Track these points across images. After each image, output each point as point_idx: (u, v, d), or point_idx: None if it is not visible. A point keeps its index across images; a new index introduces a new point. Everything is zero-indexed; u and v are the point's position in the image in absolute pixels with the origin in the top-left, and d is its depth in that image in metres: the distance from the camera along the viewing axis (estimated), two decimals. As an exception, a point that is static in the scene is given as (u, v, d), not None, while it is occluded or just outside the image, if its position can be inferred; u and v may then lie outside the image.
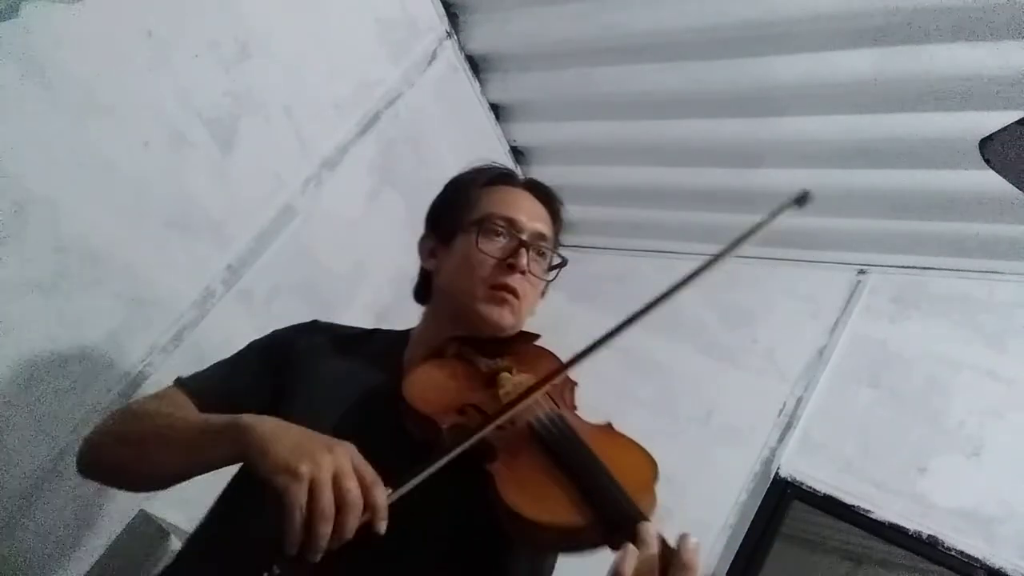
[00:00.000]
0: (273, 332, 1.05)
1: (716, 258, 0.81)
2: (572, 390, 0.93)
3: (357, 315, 1.83)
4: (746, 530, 1.69)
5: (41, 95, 1.20)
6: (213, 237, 1.53)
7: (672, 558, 0.61)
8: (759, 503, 1.72)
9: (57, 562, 1.33)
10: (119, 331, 1.38)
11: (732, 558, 1.67)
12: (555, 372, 0.81)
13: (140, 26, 1.33)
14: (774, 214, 0.86)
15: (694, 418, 1.92)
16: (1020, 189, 1.49)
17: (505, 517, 0.67)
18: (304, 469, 0.63)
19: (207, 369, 1.00)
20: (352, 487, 0.64)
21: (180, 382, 0.95)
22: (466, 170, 1.07)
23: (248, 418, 0.73)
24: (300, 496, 0.62)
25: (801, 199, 0.89)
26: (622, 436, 0.82)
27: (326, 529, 0.61)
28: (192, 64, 1.42)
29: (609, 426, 0.84)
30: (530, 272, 0.95)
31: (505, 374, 0.88)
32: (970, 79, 1.41)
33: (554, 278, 1.04)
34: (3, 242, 1.19)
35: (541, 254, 0.99)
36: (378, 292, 1.94)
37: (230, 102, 1.51)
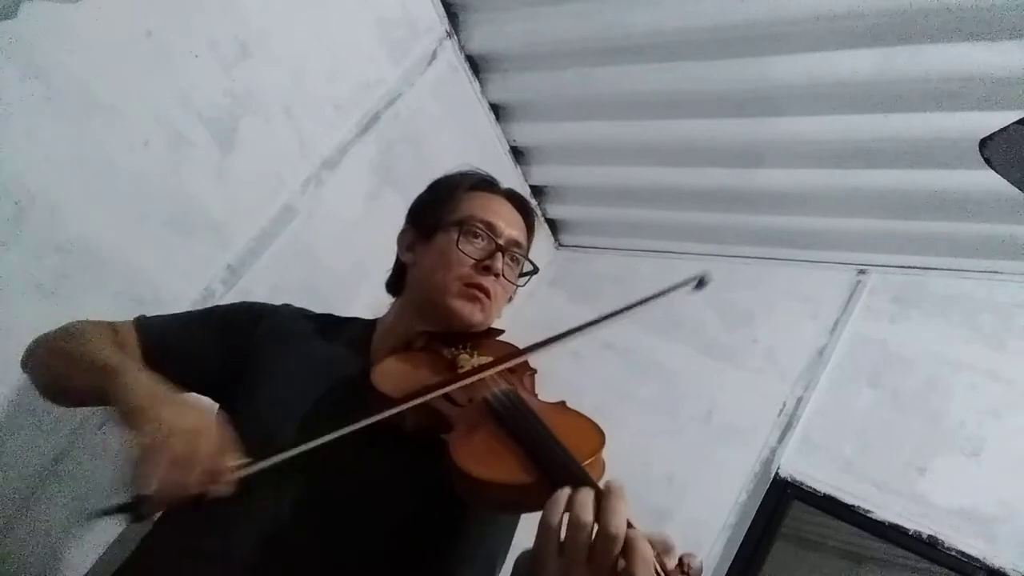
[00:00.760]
0: (241, 302, 1.08)
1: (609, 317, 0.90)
2: (531, 377, 0.98)
3: (357, 315, 1.83)
4: (746, 530, 1.69)
5: (41, 95, 1.20)
6: (213, 237, 1.53)
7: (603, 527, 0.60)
8: (759, 503, 1.72)
9: (57, 562, 1.33)
10: (119, 331, 1.38)
11: (732, 558, 1.67)
12: (511, 355, 0.87)
13: (140, 26, 1.33)
14: (672, 288, 0.94)
15: (694, 418, 1.92)
16: (1020, 189, 1.49)
17: (457, 479, 0.71)
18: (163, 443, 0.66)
19: (167, 317, 1.05)
20: (199, 443, 0.67)
21: (138, 322, 1.01)
22: (451, 172, 1.12)
23: (132, 373, 0.76)
24: (154, 439, 0.65)
25: (700, 283, 0.96)
26: (573, 411, 0.86)
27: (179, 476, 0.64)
28: (192, 64, 1.42)
29: (562, 404, 0.89)
30: (503, 276, 1.01)
31: (464, 355, 0.93)
32: (970, 79, 1.41)
33: (524, 284, 1.09)
34: (3, 242, 1.19)
35: (515, 260, 1.05)
36: (378, 292, 1.92)
37: (230, 102, 1.51)
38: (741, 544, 1.68)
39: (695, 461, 1.83)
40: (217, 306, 1.08)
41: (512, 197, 1.10)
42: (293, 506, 0.79)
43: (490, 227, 1.01)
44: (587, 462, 0.71)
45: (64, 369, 0.88)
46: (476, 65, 2.05)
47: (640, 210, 2.23)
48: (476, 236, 1.00)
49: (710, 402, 1.93)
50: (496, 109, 2.16)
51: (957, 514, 1.52)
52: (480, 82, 2.08)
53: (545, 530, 0.60)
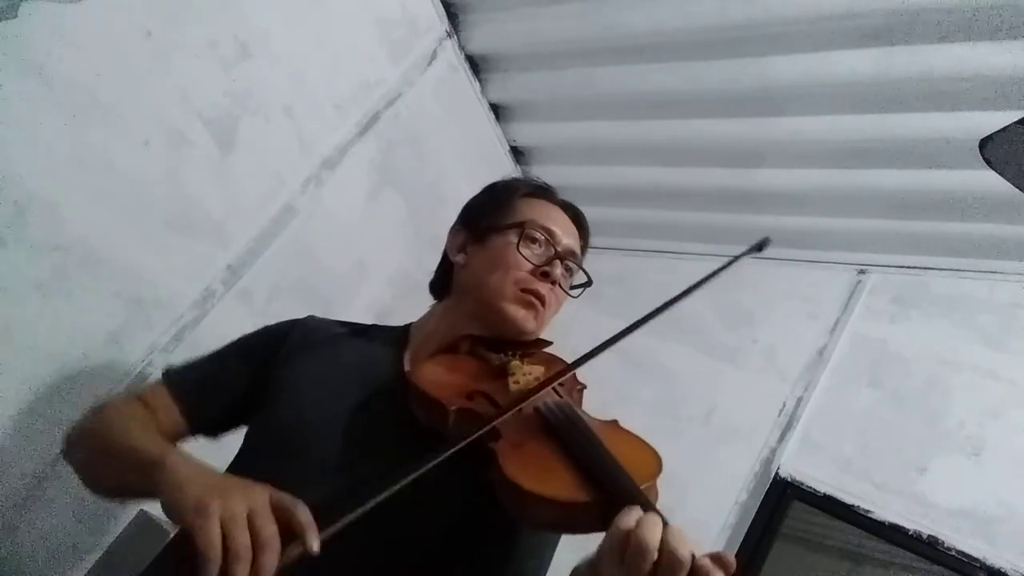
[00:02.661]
0: (265, 327, 1.06)
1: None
2: (580, 392, 0.94)
3: (357, 315, 1.82)
4: (746, 530, 1.69)
5: (41, 95, 1.20)
6: (213, 237, 1.53)
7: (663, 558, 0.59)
8: (759, 503, 1.72)
9: (57, 562, 1.33)
10: (119, 331, 1.38)
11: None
12: (569, 367, 0.83)
13: (140, 26, 1.33)
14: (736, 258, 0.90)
15: (694, 418, 1.92)
16: (1020, 189, 1.49)
17: (505, 491, 0.67)
18: (215, 507, 0.60)
19: (194, 362, 1.02)
20: (266, 525, 0.60)
21: (167, 376, 0.99)
22: (508, 178, 1.11)
23: (172, 458, 0.71)
24: (212, 535, 0.58)
25: (761, 245, 0.92)
26: (629, 432, 0.83)
27: (242, 571, 0.57)
28: (192, 64, 1.42)
29: (615, 423, 0.86)
30: (559, 285, 0.99)
31: (516, 362, 0.89)
32: (970, 79, 1.41)
33: (578, 296, 1.07)
34: (3, 242, 1.19)
35: (569, 270, 1.03)
36: (378, 292, 1.94)
37: (230, 102, 1.51)
38: (741, 544, 1.68)
39: (695, 461, 1.83)
40: (243, 335, 1.05)
41: (567, 207, 1.08)
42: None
43: (550, 233, 1.00)
44: (645, 486, 0.68)
45: (109, 470, 0.83)
46: (476, 65, 2.05)
47: (640, 210, 2.23)
48: (535, 241, 0.99)
49: (710, 402, 1.93)
50: (496, 109, 2.16)
51: (957, 514, 1.52)
52: (480, 82, 2.08)
53: (614, 542, 0.59)
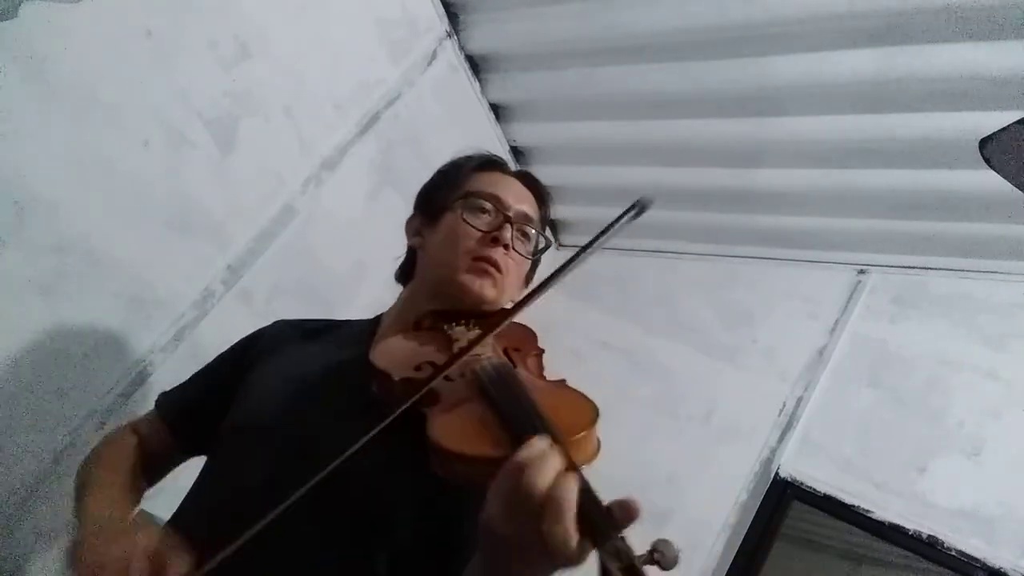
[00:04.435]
0: (239, 341, 1.08)
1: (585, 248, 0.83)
2: (537, 358, 0.93)
3: (357, 315, 1.81)
4: (746, 530, 1.69)
5: (41, 95, 1.20)
6: (213, 237, 1.53)
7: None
8: (759, 503, 1.72)
9: (57, 563, 1.33)
10: (119, 331, 1.38)
11: (732, 558, 1.67)
12: (503, 316, 0.79)
13: (140, 26, 1.33)
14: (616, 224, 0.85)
15: (694, 418, 1.92)
16: (1020, 189, 1.49)
17: (432, 454, 0.67)
18: (86, 555, 0.67)
19: (181, 386, 1.07)
20: (138, 568, 0.64)
21: (158, 403, 1.05)
22: (457, 156, 1.09)
23: (83, 519, 0.79)
24: None
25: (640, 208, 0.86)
26: (571, 389, 0.80)
27: None
28: (192, 64, 1.42)
29: (562, 382, 0.83)
30: (514, 249, 0.97)
31: (460, 328, 0.89)
32: (970, 79, 1.41)
33: (538, 258, 1.05)
34: (3, 242, 1.19)
35: (525, 235, 1.01)
36: (378, 292, 1.93)
37: (230, 102, 1.51)
38: (741, 544, 1.68)
39: (695, 461, 1.83)
40: (221, 353, 1.08)
41: (522, 176, 1.07)
42: (269, 477, 0.76)
43: (497, 200, 0.98)
44: (574, 438, 0.65)
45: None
46: (476, 65, 2.05)
47: (640, 210, 2.22)
48: (483, 210, 0.97)
49: (710, 402, 1.93)
50: (496, 109, 2.16)
51: (957, 514, 1.52)
52: (480, 82, 2.08)
53: (504, 476, 0.56)
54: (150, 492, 1.39)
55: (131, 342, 1.40)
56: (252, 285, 1.61)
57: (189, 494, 0.89)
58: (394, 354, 0.84)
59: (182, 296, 1.49)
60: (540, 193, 1.07)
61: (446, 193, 1.01)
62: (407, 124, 1.91)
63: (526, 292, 0.82)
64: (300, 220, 1.69)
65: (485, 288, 0.94)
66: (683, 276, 2.20)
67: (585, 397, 0.76)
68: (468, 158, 1.07)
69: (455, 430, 0.68)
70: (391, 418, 0.68)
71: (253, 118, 1.56)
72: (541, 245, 1.05)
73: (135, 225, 1.38)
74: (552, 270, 0.83)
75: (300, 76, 1.64)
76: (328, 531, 0.75)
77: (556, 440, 0.60)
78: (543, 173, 2.44)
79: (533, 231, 1.02)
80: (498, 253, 0.95)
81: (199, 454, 0.99)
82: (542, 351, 0.94)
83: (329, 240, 1.79)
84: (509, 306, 0.96)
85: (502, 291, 0.97)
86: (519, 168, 1.10)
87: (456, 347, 0.84)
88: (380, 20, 1.79)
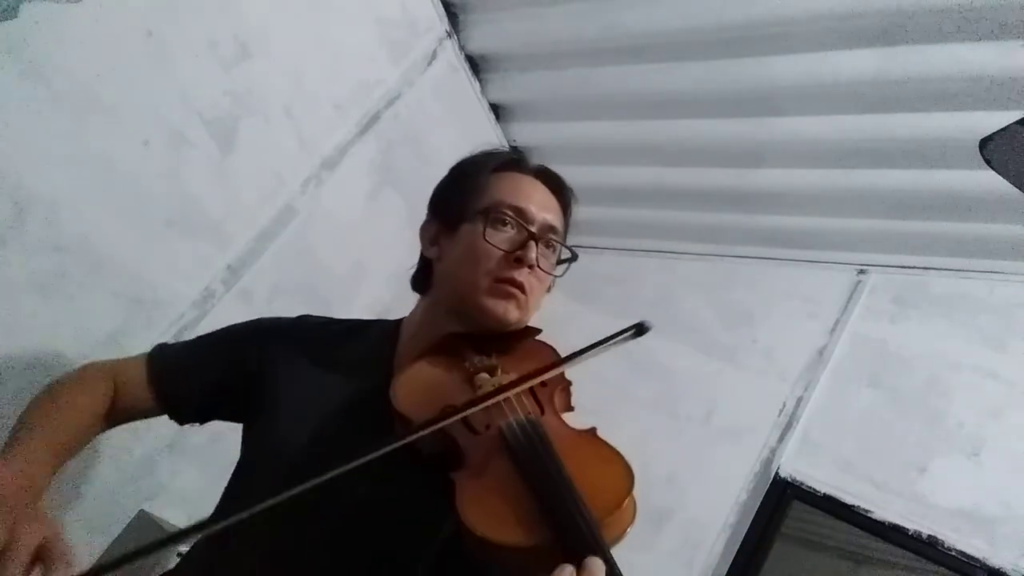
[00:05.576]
0: (258, 320, 1.04)
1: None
2: (565, 392, 0.88)
3: (357, 315, 1.83)
4: (746, 530, 1.69)
5: (41, 95, 1.20)
6: (213, 237, 1.53)
7: None
8: (759, 503, 1.72)
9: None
10: (119, 331, 1.38)
11: (732, 558, 1.67)
12: (530, 376, 0.77)
13: (140, 26, 1.33)
14: (614, 340, 0.81)
15: (694, 418, 1.92)
16: (1020, 189, 1.49)
17: (463, 531, 0.65)
18: None
19: (183, 343, 1.05)
20: (10, 565, 0.62)
21: (150, 354, 0.99)
22: (474, 153, 1.01)
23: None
24: None
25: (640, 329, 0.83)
26: (603, 446, 0.76)
27: None
28: (192, 64, 1.42)
29: (593, 432, 0.79)
30: (538, 267, 0.90)
31: (484, 375, 0.83)
32: (970, 79, 1.41)
33: (563, 273, 0.99)
34: (3, 242, 1.19)
35: (550, 247, 0.95)
36: (378, 292, 1.94)
37: (230, 102, 1.51)
38: (741, 544, 1.68)
39: (695, 461, 1.83)
40: (233, 325, 1.03)
41: (543, 174, 0.99)
42: (294, 534, 0.75)
43: (520, 213, 0.91)
44: (608, 519, 0.63)
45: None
46: (476, 65, 2.05)
47: (640, 210, 2.22)
48: (505, 224, 0.90)
49: (710, 402, 1.93)
50: (496, 109, 2.16)
51: (957, 514, 1.52)
52: (480, 82, 2.08)
53: None
54: (150, 492, 1.40)
55: (131, 342, 1.40)
56: (252, 285, 1.61)
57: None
58: (414, 393, 0.79)
59: (182, 296, 1.49)
60: (564, 196, 1.00)
61: (464, 199, 0.94)
62: (407, 124, 1.91)
63: (555, 361, 0.78)
64: (300, 220, 1.69)
65: (509, 312, 0.89)
66: (683, 276, 2.20)
67: (619, 457, 0.73)
68: (486, 155, 1.00)
69: (487, 511, 0.65)
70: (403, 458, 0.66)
71: (253, 118, 1.56)
72: (565, 256, 0.99)
73: (135, 225, 1.38)
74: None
75: (300, 76, 1.64)
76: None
77: (590, 525, 0.60)
78: (543, 173, 2.41)
79: (557, 243, 0.96)
80: (522, 274, 0.88)
81: (177, 421, 0.99)
82: (569, 383, 0.88)
83: (329, 240, 1.79)
84: (531, 334, 0.94)
85: (526, 312, 0.92)
86: (538, 165, 1.02)
87: (480, 393, 0.79)
88: (380, 20, 1.79)
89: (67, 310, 1.29)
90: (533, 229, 0.91)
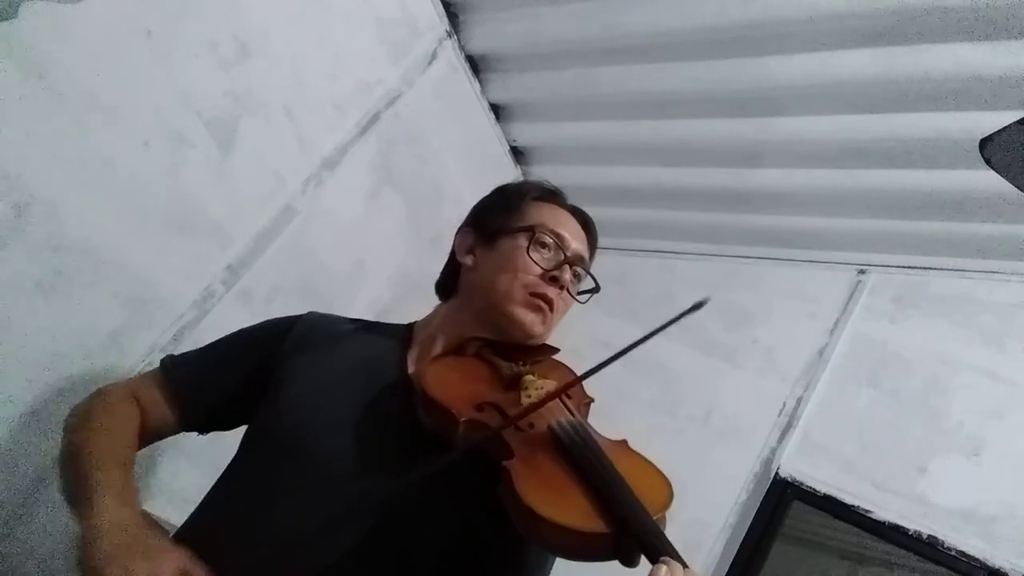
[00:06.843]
0: (266, 321, 1.07)
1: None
2: (587, 406, 0.94)
3: (357, 315, 1.82)
4: (746, 530, 1.69)
5: (41, 95, 1.20)
6: (213, 237, 1.53)
7: None
8: (759, 503, 1.72)
9: (57, 564, 1.33)
10: (119, 331, 1.38)
11: (732, 558, 1.67)
12: (579, 379, 0.82)
13: (140, 26, 1.33)
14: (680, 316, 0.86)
15: (694, 418, 1.92)
16: (1020, 189, 1.49)
17: (519, 514, 0.66)
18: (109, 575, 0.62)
19: (194, 352, 1.05)
20: None
21: (164, 366, 1.00)
22: (517, 181, 1.12)
23: (98, 507, 0.73)
24: None
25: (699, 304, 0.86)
26: (639, 455, 0.82)
27: None
28: (192, 64, 1.42)
29: (624, 443, 0.85)
30: (567, 290, 0.99)
31: (529, 376, 0.88)
32: (970, 79, 1.41)
33: (585, 301, 1.06)
34: (3, 242, 1.19)
35: (578, 276, 1.03)
36: (378, 292, 1.94)
37: (230, 102, 1.51)
38: (741, 544, 1.68)
39: (695, 461, 1.83)
40: (243, 328, 1.06)
41: (577, 213, 1.08)
42: (332, 515, 0.76)
43: (559, 238, 0.99)
44: (658, 516, 0.68)
45: (67, 481, 0.84)
46: (476, 65, 2.05)
47: (640, 210, 2.23)
48: (545, 246, 0.98)
49: (710, 402, 1.93)
50: (496, 109, 2.16)
51: (957, 514, 1.52)
52: (480, 82, 2.08)
53: None
54: (149, 492, 1.39)
55: (131, 342, 1.40)
56: (252, 285, 1.61)
57: (211, 504, 0.87)
58: (449, 386, 0.83)
59: (182, 296, 1.49)
60: (592, 233, 1.09)
61: (505, 217, 1.02)
62: (407, 124, 1.91)
63: (600, 363, 0.80)
64: (300, 220, 1.69)
65: (536, 324, 0.95)
66: (683, 276, 2.20)
67: (657, 470, 0.79)
68: (531, 184, 1.09)
69: (549, 495, 0.67)
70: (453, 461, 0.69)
71: (253, 118, 1.56)
72: (588, 287, 1.06)
73: (135, 225, 1.38)
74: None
75: (300, 76, 1.64)
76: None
77: (651, 518, 0.65)
78: (543, 173, 2.46)
79: (584, 273, 1.04)
80: (554, 292, 0.96)
81: (198, 431, 0.99)
82: (591, 400, 0.94)
83: (329, 240, 1.79)
84: (557, 353, 0.99)
85: (548, 328, 0.99)
86: (572, 204, 1.11)
87: (525, 395, 0.84)
88: (380, 20, 1.79)
89: (67, 310, 1.29)
90: (569, 254, 1.00)
